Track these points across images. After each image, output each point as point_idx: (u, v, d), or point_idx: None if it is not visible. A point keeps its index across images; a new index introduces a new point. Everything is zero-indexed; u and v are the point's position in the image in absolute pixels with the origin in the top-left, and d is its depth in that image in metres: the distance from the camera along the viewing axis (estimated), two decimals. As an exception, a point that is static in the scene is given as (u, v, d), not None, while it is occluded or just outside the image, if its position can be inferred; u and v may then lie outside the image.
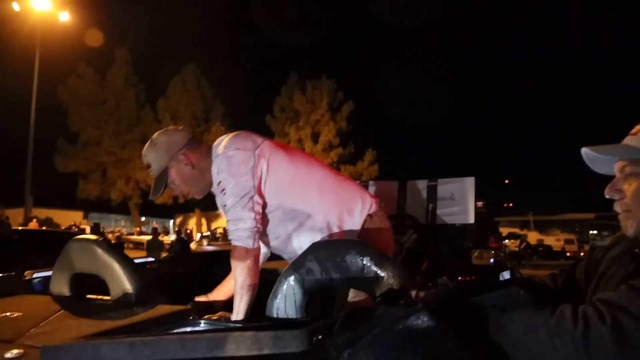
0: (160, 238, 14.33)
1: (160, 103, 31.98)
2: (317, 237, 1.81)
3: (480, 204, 4.02)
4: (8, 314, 1.46)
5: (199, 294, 2.06)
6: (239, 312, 1.62)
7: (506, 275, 2.84)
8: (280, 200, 1.77)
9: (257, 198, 1.70)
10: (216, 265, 2.83)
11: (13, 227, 9.74)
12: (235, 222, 1.67)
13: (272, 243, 1.89)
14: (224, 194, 1.69)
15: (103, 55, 30.74)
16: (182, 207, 34.80)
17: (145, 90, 32.42)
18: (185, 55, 34.91)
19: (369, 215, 1.85)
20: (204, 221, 37.38)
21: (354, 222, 1.82)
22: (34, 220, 19.29)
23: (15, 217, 20.88)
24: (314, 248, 1.58)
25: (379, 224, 1.84)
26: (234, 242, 1.68)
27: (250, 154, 1.71)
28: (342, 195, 1.85)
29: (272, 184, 1.75)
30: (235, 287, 1.66)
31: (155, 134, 1.83)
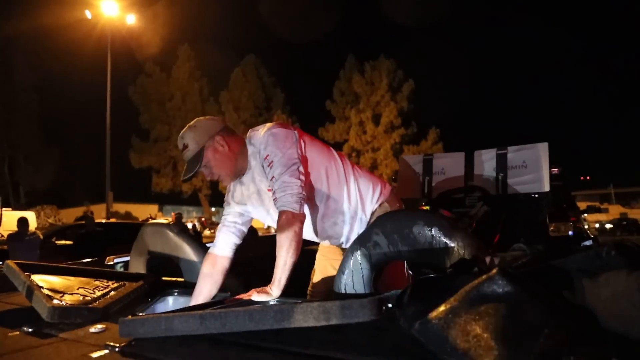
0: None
1: (223, 95, 32.87)
2: (339, 220, 1.88)
3: (555, 170, 3.73)
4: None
5: (267, 275, 2.07)
6: (280, 278, 1.63)
7: (588, 244, 2.63)
8: (310, 181, 1.83)
9: (302, 169, 1.75)
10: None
11: (97, 221, 10.45)
12: (282, 189, 1.69)
13: None
14: (271, 167, 1.73)
15: (167, 53, 32.03)
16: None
17: (208, 84, 33.44)
18: (244, 47, 35.67)
19: (382, 202, 1.95)
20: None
21: (370, 207, 1.94)
22: (112, 218, 20.64)
23: (98, 212, 22.48)
24: (380, 221, 1.54)
25: (389, 208, 1.93)
26: (280, 208, 1.70)
27: (292, 131, 1.82)
28: (360, 182, 1.93)
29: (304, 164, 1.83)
30: (280, 252, 1.67)
31: (192, 121, 1.90)
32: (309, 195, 1.82)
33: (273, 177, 1.72)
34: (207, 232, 23.82)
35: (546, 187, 3.37)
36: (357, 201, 1.89)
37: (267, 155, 1.74)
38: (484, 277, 0.80)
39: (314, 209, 1.86)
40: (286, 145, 1.74)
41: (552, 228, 3.75)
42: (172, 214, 11.49)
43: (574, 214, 5.25)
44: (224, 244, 1.89)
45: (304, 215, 1.72)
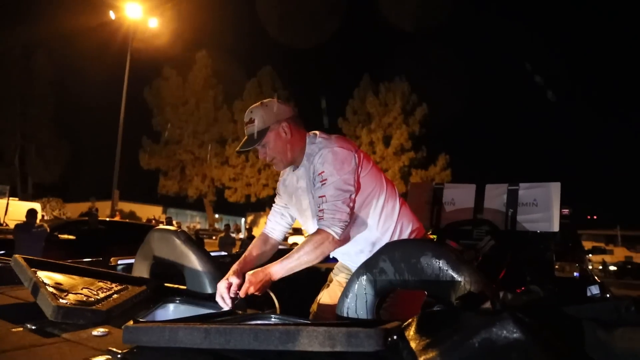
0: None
1: (237, 104, 33.15)
2: (366, 249, 1.87)
3: (566, 211, 3.72)
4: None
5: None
6: (285, 266, 1.71)
7: (594, 290, 2.61)
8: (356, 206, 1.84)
9: (354, 197, 1.76)
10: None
11: (100, 218, 10.48)
12: (332, 211, 1.72)
13: None
14: (324, 184, 1.75)
15: (185, 59, 32.44)
16: (254, 206, 35.91)
17: (223, 92, 33.75)
18: (261, 58, 36.00)
19: None
20: (273, 220, 38.10)
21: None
22: (117, 213, 20.72)
23: (103, 209, 22.54)
24: (388, 248, 1.54)
25: None
26: (323, 227, 1.73)
27: (353, 154, 1.80)
28: (401, 218, 1.92)
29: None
30: (299, 252, 1.71)
31: (266, 100, 1.93)
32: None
33: (324, 196, 1.73)
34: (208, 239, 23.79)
35: (556, 227, 3.36)
36: (391, 236, 1.87)
37: (323, 171, 1.75)
38: (494, 319, 0.80)
39: (346, 231, 1.86)
40: (344, 169, 1.74)
41: (556, 267, 3.72)
42: (163, 215, 11.53)
43: (580, 255, 5.20)
44: (276, 226, 2.08)
45: (339, 244, 1.76)
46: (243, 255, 1.97)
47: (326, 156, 1.77)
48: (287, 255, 1.74)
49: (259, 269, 1.72)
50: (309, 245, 1.71)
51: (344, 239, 1.78)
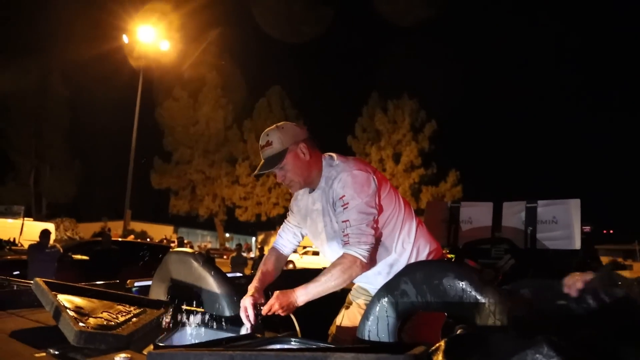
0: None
1: (246, 124, 33.42)
2: (384, 271, 1.85)
3: (587, 229, 3.67)
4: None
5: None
6: (311, 291, 1.71)
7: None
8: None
9: (377, 217, 1.76)
10: (298, 282, 2.84)
11: (113, 239, 10.55)
12: (358, 235, 1.71)
13: None
14: (346, 209, 1.74)
15: (195, 80, 32.84)
16: (264, 225, 35.89)
17: (233, 112, 34.06)
18: (270, 78, 36.32)
19: None
20: (284, 239, 38.03)
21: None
22: (132, 236, 20.88)
23: (115, 229, 22.71)
24: (409, 269, 1.52)
25: None
26: (349, 251, 1.72)
27: (372, 177, 1.79)
28: (418, 240, 1.90)
29: None
30: (326, 275, 1.71)
31: (281, 122, 1.96)
32: None
33: (348, 220, 1.73)
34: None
35: (577, 245, 3.31)
36: (409, 258, 1.86)
37: (344, 195, 1.75)
38: (527, 342, 0.78)
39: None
40: (365, 192, 1.74)
41: (576, 284, 3.64)
42: (174, 234, 11.56)
43: (599, 270, 5.08)
44: (287, 244, 2.11)
45: (366, 267, 1.74)
46: (259, 271, 1.98)
47: (346, 180, 1.76)
48: (314, 279, 1.73)
49: (288, 290, 1.72)
50: (336, 270, 1.70)
51: (370, 262, 1.76)
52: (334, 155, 1.92)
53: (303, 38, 35.92)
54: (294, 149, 1.84)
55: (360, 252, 1.70)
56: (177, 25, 25.57)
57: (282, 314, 1.69)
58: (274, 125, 1.92)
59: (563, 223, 3.40)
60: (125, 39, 21.47)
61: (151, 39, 21.57)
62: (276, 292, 1.70)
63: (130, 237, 18.99)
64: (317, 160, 1.89)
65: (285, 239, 2.12)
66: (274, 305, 1.67)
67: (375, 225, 1.74)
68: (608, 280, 1.14)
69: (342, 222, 1.74)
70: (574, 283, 1.14)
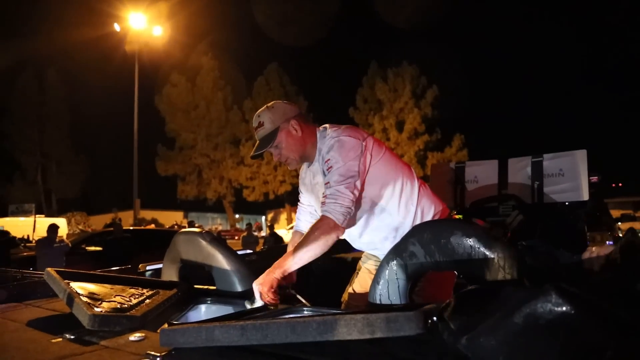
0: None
1: (247, 104, 33.21)
2: (390, 235, 1.84)
3: (595, 178, 3.62)
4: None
5: (296, 283, 2.08)
6: (285, 266, 1.68)
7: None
8: (369, 192, 1.82)
9: (358, 184, 1.74)
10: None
11: (124, 228, 10.64)
12: (334, 197, 1.71)
13: (347, 230, 1.91)
14: (329, 171, 1.75)
15: (192, 64, 32.57)
16: (273, 203, 36.05)
17: (232, 93, 33.85)
18: (267, 56, 35.92)
19: None
20: (293, 216, 38.29)
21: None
22: (152, 224, 21.12)
23: (126, 219, 22.92)
24: (416, 230, 1.52)
25: None
26: (325, 213, 1.71)
27: (360, 142, 1.79)
28: (423, 202, 1.89)
29: (368, 177, 1.82)
30: (301, 248, 1.69)
31: (271, 102, 1.96)
32: (365, 206, 1.83)
33: (328, 182, 1.73)
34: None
35: (585, 196, 3.27)
36: (413, 220, 1.84)
37: (329, 159, 1.76)
38: (535, 292, 0.77)
39: (367, 220, 1.86)
40: (349, 156, 1.74)
41: (587, 237, 3.63)
42: (185, 220, 11.63)
43: (610, 223, 5.06)
44: (306, 224, 2.09)
45: (343, 230, 1.73)
46: (288, 252, 1.93)
47: (333, 145, 1.78)
48: (286, 255, 1.73)
49: (263, 274, 1.69)
50: (310, 241, 1.68)
51: (346, 225, 1.75)
52: (327, 126, 1.92)
53: (297, 15, 35.29)
54: (286, 126, 1.86)
55: (334, 213, 1.68)
56: (170, 10, 25.21)
57: (274, 297, 1.65)
58: (264, 106, 1.93)
59: (570, 175, 3.36)
60: (116, 27, 21.24)
61: (144, 24, 21.33)
62: (255, 282, 1.68)
63: (151, 226, 19.16)
64: (311, 135, 1.89)
65: (303, 220, 2.15)
66: (262, 294, 1.65)
67: (355, 190, 1.72)
68: (630, 250, 1.12)
69: (325, 184, 1.75)
70: (595, 259, 1.12)
